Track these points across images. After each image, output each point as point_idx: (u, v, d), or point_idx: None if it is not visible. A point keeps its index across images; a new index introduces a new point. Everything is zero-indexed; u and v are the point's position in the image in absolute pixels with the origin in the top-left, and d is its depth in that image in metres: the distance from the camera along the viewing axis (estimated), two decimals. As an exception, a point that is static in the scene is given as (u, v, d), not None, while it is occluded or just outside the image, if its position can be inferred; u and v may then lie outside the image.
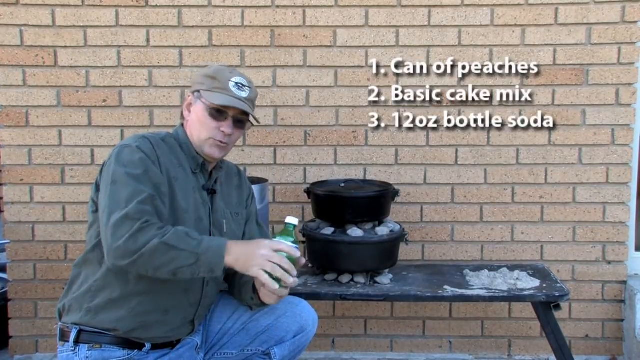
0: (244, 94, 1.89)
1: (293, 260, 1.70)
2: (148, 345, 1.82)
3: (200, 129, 1.87)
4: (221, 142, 1.87)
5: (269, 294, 1.76)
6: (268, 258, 1.66)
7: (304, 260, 1.76)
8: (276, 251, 1.68)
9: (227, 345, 2.00)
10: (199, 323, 1.95)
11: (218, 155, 1.90)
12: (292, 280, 1.68)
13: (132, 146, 1.77)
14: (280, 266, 1.66)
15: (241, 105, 1.87)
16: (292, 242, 1.72)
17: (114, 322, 1.77)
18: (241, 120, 1.91)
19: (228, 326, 2.01)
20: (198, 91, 1.89)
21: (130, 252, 1.63)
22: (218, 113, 1.87)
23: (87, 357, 1.77)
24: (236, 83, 1.89)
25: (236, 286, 2.01)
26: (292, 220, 1.77)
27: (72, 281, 1.86)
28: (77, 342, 1.79)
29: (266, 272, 1.65)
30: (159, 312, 1.81)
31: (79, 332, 1.79)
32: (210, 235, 1.90)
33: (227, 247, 1.68)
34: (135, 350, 1.81)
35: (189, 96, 1.94)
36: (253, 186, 2.19)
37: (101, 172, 1.81)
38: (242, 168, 2.23)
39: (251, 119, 1.96)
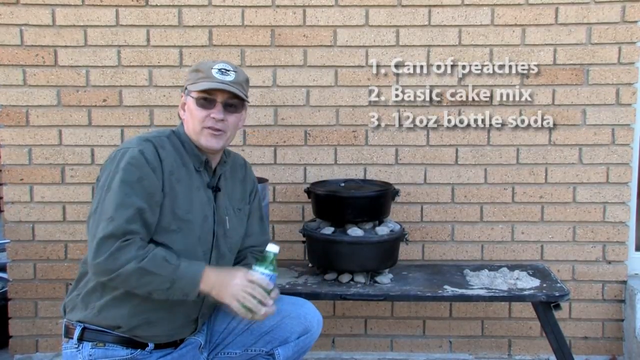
0: (228, 78, 1.87)
1: (267, 291, 1.75)
2: (151, 345, 1.83)
3: (193, 121, 1.87)
4: (214, 128, 1.85)
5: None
6: (242, 288, 1.74)
7: (277, 292, 1.81)
8: (250, 282, 1.74)
9: (231, 345, 2.01)
10: (202, 322, 1.96)
11: (216, 145, 1.87)
12: (263, 311, 1.75)
13: (134, 150, 1.77)
14: (253, 296, 1.73)
15: (225, 87, 1.85)
16: (271, 271, 1.76)
17: (117, 319, 1.78)
18: (232, 104, 1.89)
19: (232, 326, 2.01)
20: (186, 88, 1.91)
21: (109, 270, 1.69)
22: (206, 101, 1.86)
23: (90, 355, 1.78)
24: (219, 69, 1.88)
25: None
26: (272, 248, 1.79)
27: (79, 278, 1.87)
28: (80, 339, 1.79)
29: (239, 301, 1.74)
30: (162, 309, 1.81)
31: (83, 329, 1.79)
32: (213, 234, 1.91)
33: (203, 274, 1.74)
34: (138, 350, 1.81)
35: (182, 97, 1.95)
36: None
37: (102, 170, 1.82)
38: (248, 160, 2.20)
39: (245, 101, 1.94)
